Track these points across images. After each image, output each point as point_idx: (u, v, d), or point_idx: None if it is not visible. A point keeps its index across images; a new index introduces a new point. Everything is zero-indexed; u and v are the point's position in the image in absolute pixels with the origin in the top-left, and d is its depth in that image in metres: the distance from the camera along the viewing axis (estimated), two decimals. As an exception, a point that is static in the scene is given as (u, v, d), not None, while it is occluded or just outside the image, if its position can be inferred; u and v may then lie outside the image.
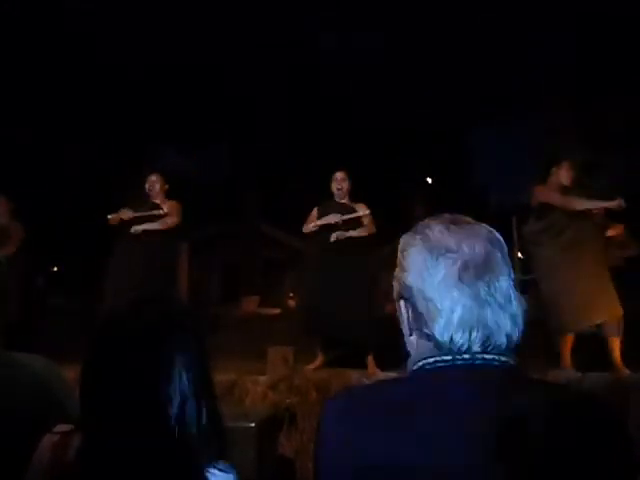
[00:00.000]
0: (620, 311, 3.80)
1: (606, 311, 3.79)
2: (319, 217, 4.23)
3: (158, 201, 4.57)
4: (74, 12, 5.06)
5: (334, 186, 4.27)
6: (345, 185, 4.25)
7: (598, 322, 3.83)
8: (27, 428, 1.00)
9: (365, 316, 3.91)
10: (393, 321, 0.91)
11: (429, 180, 10.07)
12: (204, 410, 0.92)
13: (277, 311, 8.38)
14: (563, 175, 4.06)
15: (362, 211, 4.21)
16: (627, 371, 3.74)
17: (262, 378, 3.78)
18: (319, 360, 4.12)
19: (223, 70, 6.19)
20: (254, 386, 3.77)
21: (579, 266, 3.83)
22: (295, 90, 6.58)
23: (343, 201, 4.28)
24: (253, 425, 2.71)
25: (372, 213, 4.26)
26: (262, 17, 5.96)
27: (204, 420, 0.91)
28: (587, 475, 0.71)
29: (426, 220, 0.87)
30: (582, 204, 3.89)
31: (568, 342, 3.99)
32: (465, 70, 6.25)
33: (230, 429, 0.96)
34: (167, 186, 4.66)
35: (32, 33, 5.18)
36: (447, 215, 0.86)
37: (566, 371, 3.92)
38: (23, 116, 6.10)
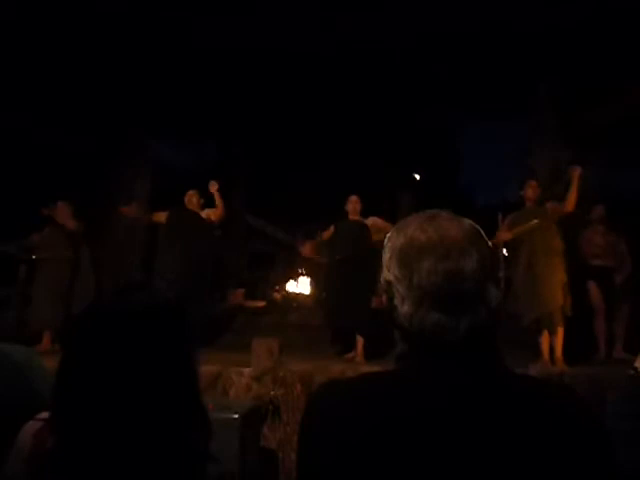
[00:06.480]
0: (555, 307, 4.17)
1: (540, 307, 4.21)
2: (336, 233, 5.02)
3: (196, 210, 5.30)
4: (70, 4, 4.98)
5: (350, 207, 5.02)
6: (358, 206, 5.02)
7: (534, 317, 4.24)
8: (6, 417, 0.98)
9: (365, 311, 4.62)
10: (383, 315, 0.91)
11: (416, 176, 10.09)
12: (185, 405, 0.90)
13: (262, 304, 8.37)
14: (528, 194, 4.55)
15: (375, 221, 4.94)
16: (552, 366, 4.08)
17: (246, 370, 3.78)
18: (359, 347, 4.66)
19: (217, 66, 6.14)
20: (238, 378, 3.78)
21: (524, 265, 4.32)
22: (291, 87, 6.56)
23: (356, 218, 5.03)
24: (237, 416, 2.71)
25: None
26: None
27: (186, 414, 0.89)
28: (565, 470, 0.72)
29: (408, 217, 0.87)
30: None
31: (544, 337, 4.27)
32: (455, 69, 6.26)
33: (214, 420, 0.95)
34: (203, 200, 5.34)
35: (34, 23, 5.10)
36: (428, 211, 0.87)
37: (542, 365, 4.06)
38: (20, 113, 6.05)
